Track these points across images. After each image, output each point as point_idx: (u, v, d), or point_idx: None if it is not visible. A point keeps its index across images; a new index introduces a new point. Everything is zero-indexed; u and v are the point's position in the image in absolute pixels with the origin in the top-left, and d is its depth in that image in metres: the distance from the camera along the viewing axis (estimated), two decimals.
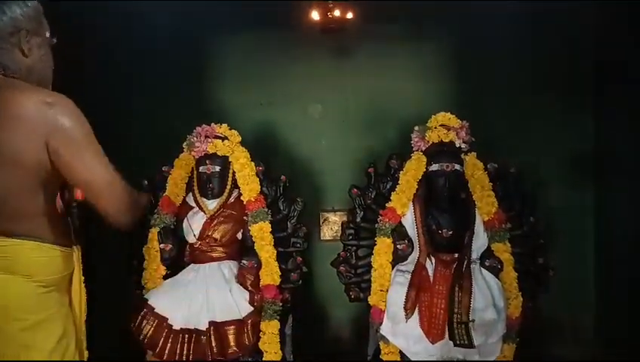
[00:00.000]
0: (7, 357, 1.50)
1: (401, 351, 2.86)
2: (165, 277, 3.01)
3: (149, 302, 2.87)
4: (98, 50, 3.68)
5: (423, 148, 3.02)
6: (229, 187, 3.07)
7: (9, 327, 1.50)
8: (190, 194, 3.12)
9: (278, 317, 2.91)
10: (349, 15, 3.39)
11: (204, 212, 3.04)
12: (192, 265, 3.01)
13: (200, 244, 3.01)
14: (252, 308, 2.86)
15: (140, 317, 2.81)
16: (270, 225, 3.00)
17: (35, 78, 1.59)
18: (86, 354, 1.74)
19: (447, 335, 2.73)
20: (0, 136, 1.46)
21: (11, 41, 1.54)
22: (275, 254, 2.99)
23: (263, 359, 2.89)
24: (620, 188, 3.49)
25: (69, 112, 1.50)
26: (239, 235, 3.07)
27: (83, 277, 1.71)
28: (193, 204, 3.09)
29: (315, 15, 3.39)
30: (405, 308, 2.77)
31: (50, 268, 1.56)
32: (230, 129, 3.12)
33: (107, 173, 1.55)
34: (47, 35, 1.66)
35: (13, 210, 1.51)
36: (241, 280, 2.93)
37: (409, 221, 2.99)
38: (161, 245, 2.97)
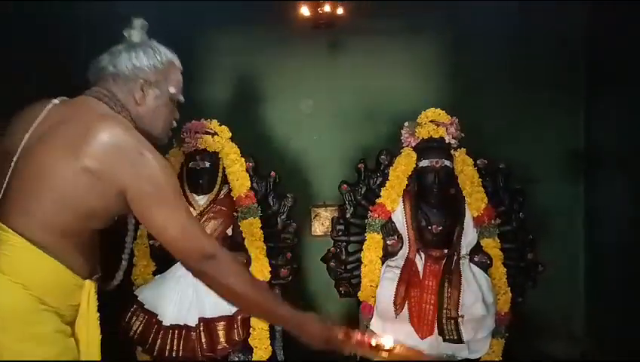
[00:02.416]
0: None
1: None
2: (155, 274, 3.01)
3: (138, 299, 2.87)
4: (88, 50, 3.65)
5: (413, 144, 3.02)
6: (219, 183, 3.07)
7: (5, 337, 1.43)
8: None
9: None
10: (340, 11, 3.38)
11: (193, 208, 3.02)
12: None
13: None
14: None
15: (129, 314, 2.81)
16: (260, 221, 3.01)
17: (142, 127, 1.62)
18: None
19: (436, 331, 2.74)
20: (75, 156, 1.45)
21: (128, 86, 1.62)
22: (265, 250, 2.99)
23: (253, 355, 2.90)
24: (611, 186, 3.50)
25: (146, 163, 1.49)
26: (229, 231, 3.07)
27: (97, 317, 1.60)
28: None
29: (305, 11, 3.38)
30: (395, 304, 2.78)
31: (56, 290, 1.50)
32: (220, 125, 3.12)
33: (179, 230, 1.52)
34: (172, 90, 1.69)
35: (55, 224, 1.48)
36: None
37: (399, 217, 2.99)
38: (151, 241, 2.96)
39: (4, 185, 1.50)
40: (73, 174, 1.46)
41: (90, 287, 1.58)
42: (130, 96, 1.62)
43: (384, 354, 1.60)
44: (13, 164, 1.50)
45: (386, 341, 1.60)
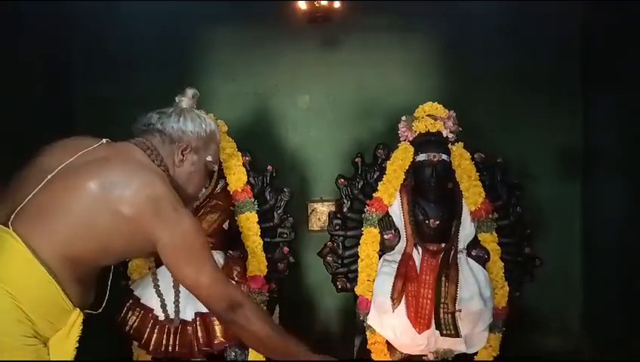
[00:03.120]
0: None
1: (387, 341, 2.87)
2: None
3: (134, 293, 2.85)
4: (85, 47, 3.65)
5: (410, 138, 3.00)
6: (215, 177, 3.05)
7: None
8: None
9: (264, 308, 2.91)
10: (337, 4, 3.36)
11: None
12: None
13: None
14: None
15: (125, 309, 2.80)
16: (257, 216, 2.99)
17: (175, 186, 1.69)
18: None
19: (433, 325, 2.74)
20: (105, 190, 1.52)
21: (172, 146, 1.75)
22: (262, 244, 2.98)
23: (249, 350, 2.88)
24: (608, 183, 3.49)
25: (179, 220, 1.57)
26: (226, 225, 3.05)
27: (74, 347, 1.59)
28: None
29: (301, 4, 3.36)
30: (392, 298, 2.78)
31: (45, 309, 1.50)
32: (217, 119, 3.10)
33: (207, 281, 1.63)
34: (209, 159, 1.82)
35: (69, 249, 1.51)
36: (227, 270, 2.92)
37: (396, 211, 2.98)
38: None
39: (29, 197, 1.52)
40: (105, 212, 1.52)
41: (77, 316, 1.58)
42: (170, 156, 1.74)
43: None
44: (45, 181, 1.54)
45: None
